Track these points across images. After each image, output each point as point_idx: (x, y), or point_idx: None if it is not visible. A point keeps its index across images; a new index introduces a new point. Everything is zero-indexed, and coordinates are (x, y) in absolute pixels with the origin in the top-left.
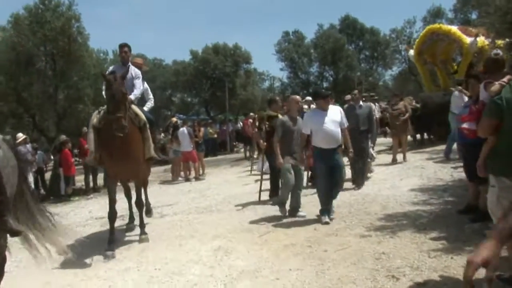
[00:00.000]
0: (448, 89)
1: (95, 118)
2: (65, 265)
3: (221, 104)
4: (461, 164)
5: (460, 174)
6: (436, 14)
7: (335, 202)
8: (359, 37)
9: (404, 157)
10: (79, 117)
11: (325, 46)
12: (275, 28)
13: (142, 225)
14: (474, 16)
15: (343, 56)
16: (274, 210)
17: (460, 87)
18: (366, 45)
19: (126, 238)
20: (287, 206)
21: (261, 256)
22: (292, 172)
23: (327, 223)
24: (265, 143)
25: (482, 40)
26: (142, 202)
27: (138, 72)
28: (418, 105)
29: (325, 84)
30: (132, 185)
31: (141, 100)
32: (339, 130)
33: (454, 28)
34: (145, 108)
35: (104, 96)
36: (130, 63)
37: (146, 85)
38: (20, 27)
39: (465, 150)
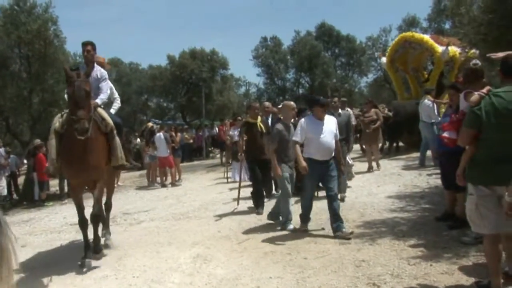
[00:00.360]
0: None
1: (57, 122)
2: (40, 272)
3: (197, 109)
4: (437, 171)
5: (436, 181)
6: (411, 23)
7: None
8: (335, 44)
9: (378, 165)
10: None
11: (301, 52)
12: (253, 33)
13: (96, 242)
14: (447, 26)
15: (319, 63)
16: (251, 217)
17: (429, 96)
18: (342, 52)
19: (102, 244)
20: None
21: (241, 264)
22: (290, 182)
23: (305, 230)
24: (241, 155)
25: (453, 50)
26: (102, 214)
27: (104, 73)
28: (391, 113)
29: (301, 91)
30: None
31: (107, 102)
32: (334, 142)
33: (426, 37)
34: (112, 110)
35: (65, 95)
36: (95, 63)
37: (110, 84)
38: None
39: (443, 159)
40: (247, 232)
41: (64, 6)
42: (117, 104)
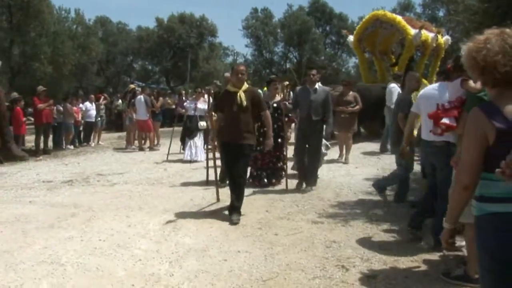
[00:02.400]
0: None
1: None
2: (4, 229)
3: (182, 75)
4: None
5: (414, 167)
6: (405, 7)
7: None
8: (327, 21)
9: (346, 158)
10: (34, 75)
11: (292, 27)
12: (244, 3)
13: None
14: (441, 13)
15: (309, 39)
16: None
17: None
18: (333, 30)
19: (72, 204)
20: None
21: (210, 235)
22: None
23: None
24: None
25: (425, 34)
26: None
27: None
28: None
29: (288, 65)
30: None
31: None
32: None
33: (399, 17)
34: None
35: None
36: None
37: None
38: None
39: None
40: (219, 203)
41: None
42: None
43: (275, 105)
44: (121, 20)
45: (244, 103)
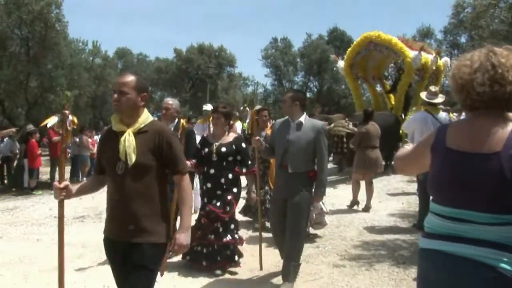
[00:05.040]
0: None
1: None
2: (4, 272)
3: (201, 105)
4: None
5: None
6: (425, 34)
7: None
8: (346, 49)
9: (367, 205)
10: (50, 107)
11: (311, 56)
12: (264, 33)
13: None
14: (463, 39)
15: (328, 68)
16: (245, 227)
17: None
18: None
19: (80, 243)
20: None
21: (221, 281)
22: None
23: None
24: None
25: (425, 57)
26: None
27: None
28: (356, 129)
29: (308, 95)
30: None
31: None
32: None
33: (395, 39)
34: None
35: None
36: None
37: None
38: None
39: None
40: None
41: None
42: None
43: (223, 149)
44: (142, 52)
45: (132, 157)
